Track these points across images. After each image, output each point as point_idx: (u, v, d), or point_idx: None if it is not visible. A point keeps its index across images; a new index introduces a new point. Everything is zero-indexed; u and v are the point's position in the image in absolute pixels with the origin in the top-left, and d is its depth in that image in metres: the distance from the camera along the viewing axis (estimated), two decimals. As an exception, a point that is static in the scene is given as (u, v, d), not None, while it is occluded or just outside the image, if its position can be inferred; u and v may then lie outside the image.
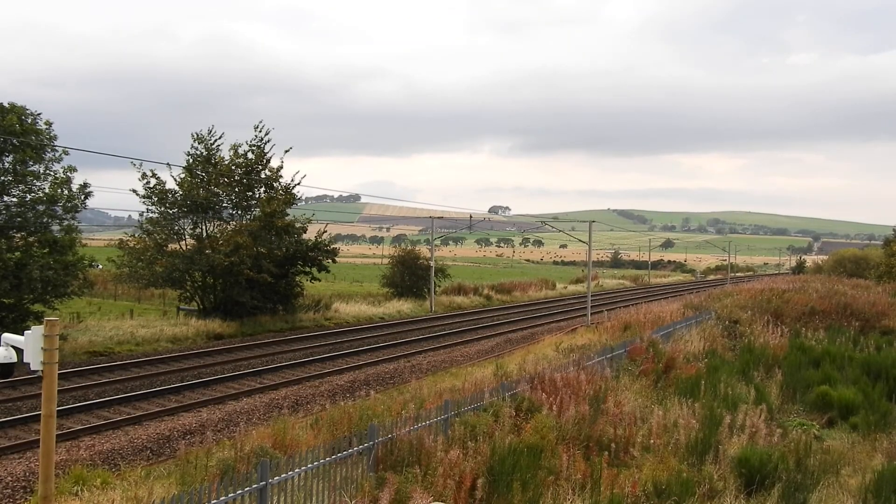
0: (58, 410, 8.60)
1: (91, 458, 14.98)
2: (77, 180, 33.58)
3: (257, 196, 38.65)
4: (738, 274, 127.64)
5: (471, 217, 72.84)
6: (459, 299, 54.24)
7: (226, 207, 38.74)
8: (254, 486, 8.21)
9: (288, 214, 38.88)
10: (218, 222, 38.64)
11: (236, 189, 38.35)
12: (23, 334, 8.09)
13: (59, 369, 8.39)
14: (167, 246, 36.35)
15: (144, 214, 37.77)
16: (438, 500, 9.10)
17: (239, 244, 34.71)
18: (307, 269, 39.54)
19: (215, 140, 38.36)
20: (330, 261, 40.81)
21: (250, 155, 38.61)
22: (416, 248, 61.61)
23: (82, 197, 33.47)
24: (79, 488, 11.39)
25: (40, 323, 8.01)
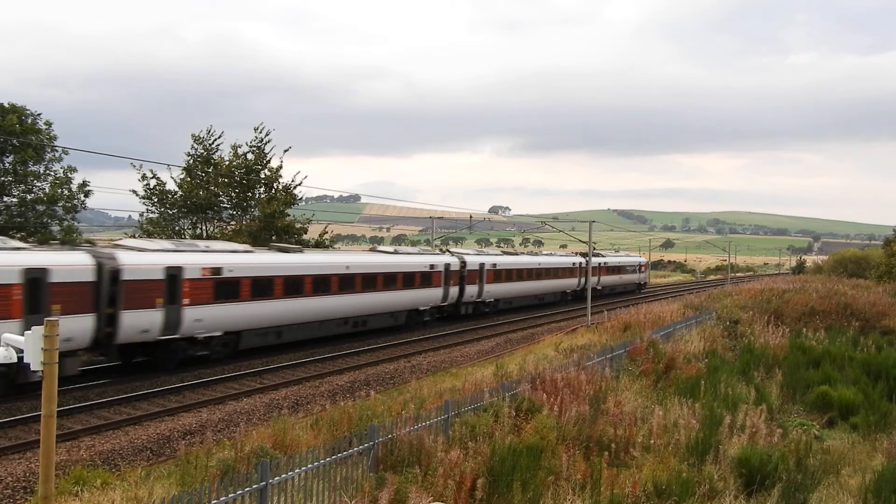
0: (58, 410, 8.61)
1: (91, 459, 14.99)
2: (77, 180, 33.66)
3: (257, 196, 38.70)
4: (738, 274, 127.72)
5: (471, 217, 72.91)
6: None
7: (226, 208, 38.79)
8: (254, 486, 8.21)
9: (288, 215, 38.91)
10: (218, 223, 38.68)
11: (236, 189, 38.39)
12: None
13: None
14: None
15: (144, 215, 37.84)
16: (438, 501, 9.11)
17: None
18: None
19: (214, 140, 38.43)
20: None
21: (250, 156, 38.67)
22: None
23: (82, 196, 33.50)
24: (79, 488, 11.40)
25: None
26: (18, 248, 20.28)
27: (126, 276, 21.38)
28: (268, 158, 38.90)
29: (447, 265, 37.89)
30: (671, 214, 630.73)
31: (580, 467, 11.34)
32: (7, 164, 31.55)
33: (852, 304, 34.29)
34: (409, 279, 34.37)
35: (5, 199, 31.39)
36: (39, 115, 32.69)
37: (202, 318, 23.73)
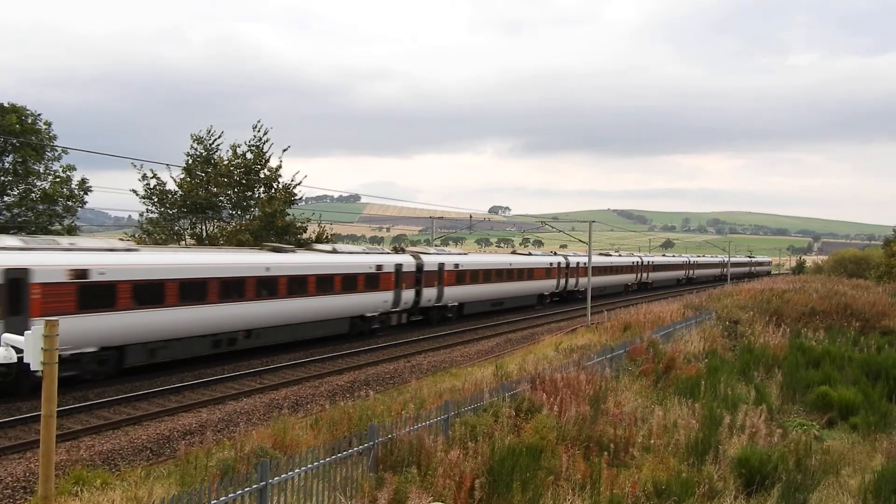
0: (58, 410, 8.60)
1: (91, 459, 14.98)
2: (76, 178, 33.66)
3: (257, 196, 38.68)
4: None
5: (471, 217, 72.97)
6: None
7: (225, 208, 38.78)
8: (254, 486, 8.21)
9: (288, 214, 38.92)
10: (218, 222, 38.68)
11: (235, 189, 38.38)
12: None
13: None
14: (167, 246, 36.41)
15: (144, 215, 37.83)
16: (438, 501, 9.10)
17: (241, 242, 34.74)
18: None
19: (214, 140, 38.42)
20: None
21: (249, 155, 38.65)
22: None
23: (81, 194, 33.49)
24: (79, 488, 11.37)
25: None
26: (384, 253, 36.44)
27: (425, 268, 36.72)
28: (267, 157, 38.90)
29: (559, 263, 54.40)
30: (671, 214, 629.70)
31: (580, 467, 11.33)
32: (7, 164, 31.56)
33: (852, 305, 34.27)
34: (540, 272, 51.22)
35: (6, 198, 31.38)
36: (39, 114, 32.70)
37: (450, 294, 39.13)
